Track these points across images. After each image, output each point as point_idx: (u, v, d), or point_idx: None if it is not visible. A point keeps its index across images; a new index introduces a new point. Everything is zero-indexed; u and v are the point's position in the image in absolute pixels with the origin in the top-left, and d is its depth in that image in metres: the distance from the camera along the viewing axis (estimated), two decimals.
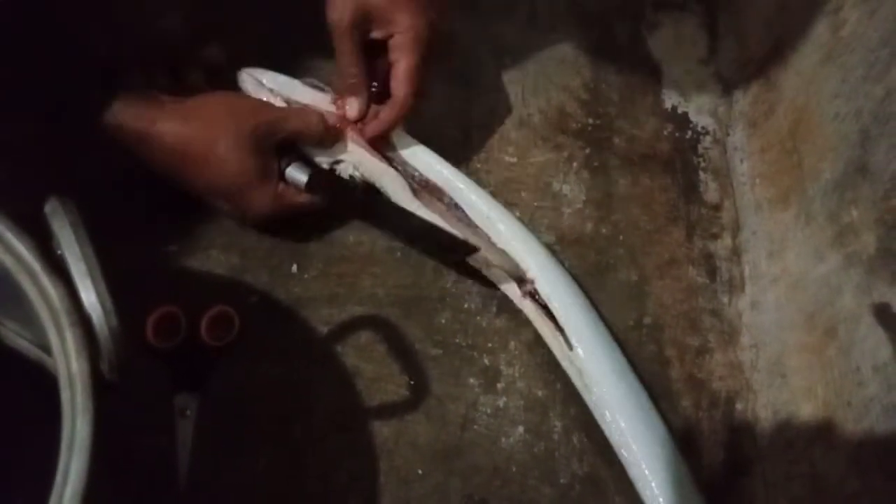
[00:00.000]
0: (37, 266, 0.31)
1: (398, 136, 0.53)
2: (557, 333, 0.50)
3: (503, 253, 0.51)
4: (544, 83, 0.64)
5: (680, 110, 0.65)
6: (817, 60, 0.51)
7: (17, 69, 0.42)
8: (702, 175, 0.61)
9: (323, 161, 0.52)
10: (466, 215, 0.53)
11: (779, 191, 0.54)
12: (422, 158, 0.53)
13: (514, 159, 0.60)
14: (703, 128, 0.64)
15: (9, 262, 0.31)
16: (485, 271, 0.52)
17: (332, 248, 0.54)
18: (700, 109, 0.65)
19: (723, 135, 0.63)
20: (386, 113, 0.51)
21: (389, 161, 0.53)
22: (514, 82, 0.63)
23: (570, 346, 0.49)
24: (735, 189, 0.60)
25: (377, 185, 0.53)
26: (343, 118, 0.52)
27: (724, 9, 0.69)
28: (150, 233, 0.51)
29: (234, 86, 0.54)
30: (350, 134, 0.52)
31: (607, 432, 0.48)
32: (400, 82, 0.49)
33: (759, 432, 0.50)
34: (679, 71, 0.66)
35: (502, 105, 0.62)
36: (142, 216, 0.51)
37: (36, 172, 0.44)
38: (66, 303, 0.30)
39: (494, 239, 0.52)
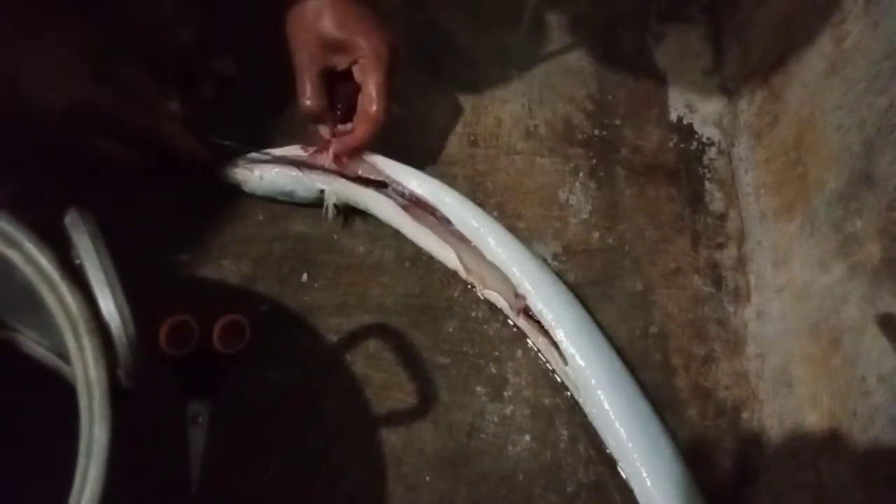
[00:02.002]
0: (56, 275, 0.31)
1: (382, 161, 0.54)
2: (552, 349, 0.50)
3: (494, 268, 0.52)
4: (550, 94, 0.64)
5: (685, 121, 0.65)
6: (821, 72, 0.52)
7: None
8: (707, 185, 0.62)
9: (303, 181, 0.53)
10: (458, 230, 0.53)
11: (783, 201, 0.54)
12: (407, 176, 0.53)
13: (521, 170, 0.60)
14: (708, 138, 0.64)
15: (29, 271, 0.32)
16: (479, 291, 0.53)
17: (341, 257, 0.55)
18: (705, 120, 0.65)
19: (728, 145, 0.64)
20: (360, 129, 0.52)
21: (373, 184, 0.53)
22: (520, 93, 0.64)
23: (566, 362, 0.49)
24: (740, 199, 0.61)
25: (362, 205, 0.54)
26: (317, 154, 0.53)
27: (729, 20, 0.69)
28: (163, 242, 0.52)
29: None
30: (325, 162, 0.53)
31: (607, 445, 0.48)
32: (371, 100, 0.51)
33: (765, 441, 0.51)
34: (684, 82, 0.67)
35: (508, 116, 0.63)
36: (154, 226, 0.52)
37: (53, 183, 0.45)
38: (85, 311, 0.31)
39: (485, 253, 0.52)
